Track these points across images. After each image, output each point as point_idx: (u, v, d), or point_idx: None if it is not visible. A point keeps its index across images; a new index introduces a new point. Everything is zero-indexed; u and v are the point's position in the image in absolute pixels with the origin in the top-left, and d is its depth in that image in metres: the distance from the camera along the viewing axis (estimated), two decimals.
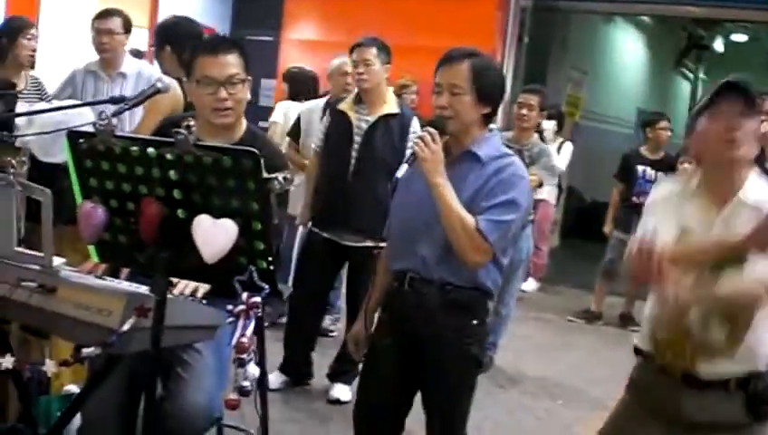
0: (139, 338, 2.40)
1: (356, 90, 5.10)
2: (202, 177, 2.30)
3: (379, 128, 4.88)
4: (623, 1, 10.59)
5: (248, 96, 3.22)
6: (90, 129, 2.46)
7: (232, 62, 3.10)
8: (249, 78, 3.19)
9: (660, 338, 2.73)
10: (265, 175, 2.24)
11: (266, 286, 2.35)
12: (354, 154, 4.88)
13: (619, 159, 8.30)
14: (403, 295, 3.11)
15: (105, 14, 4.86)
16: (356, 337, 3.34)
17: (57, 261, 2.62)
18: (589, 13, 11.72)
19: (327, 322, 6.06)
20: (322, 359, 5.30)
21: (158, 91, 2.98)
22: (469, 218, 2.94)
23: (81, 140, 2.42)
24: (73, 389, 3.83)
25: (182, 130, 2.24)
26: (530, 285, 8.73)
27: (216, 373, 3.01)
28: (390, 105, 4.94)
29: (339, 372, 5.14)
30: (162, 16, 9.64)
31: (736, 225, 2.60)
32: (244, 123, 3.27)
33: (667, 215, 2.72)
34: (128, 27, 4.86)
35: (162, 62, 4.43)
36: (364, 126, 4.91)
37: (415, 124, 4.89)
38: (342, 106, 5.04)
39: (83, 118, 3.27)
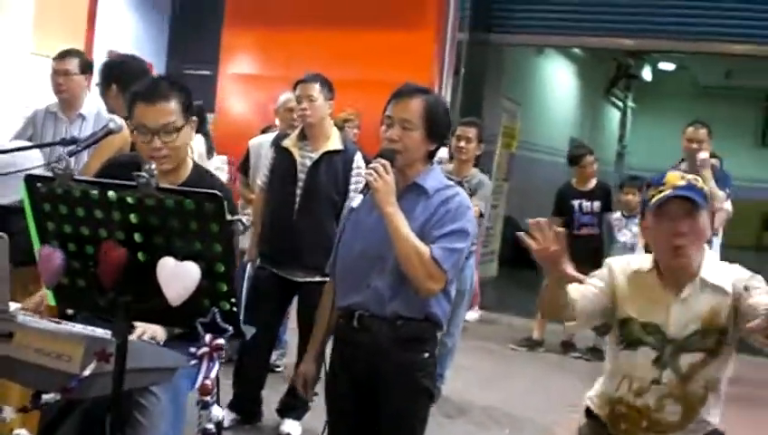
0: (100, 383, 2.37)
1: (300, 126, 5.12)
2: (164, 220, 2.29)
3: (322, 164, 4.90)
4: (554, 34, 10.76)
5: (190, 139, 3.21)
6: (46, 172, 2.44)
7: (168, 110, 3.08)
8: (192, 119, 3.18)
9: (618, 412, 2.85)
10: (229, 217, 2.24)
11: (230, 328, 2.34)
12: (299, 191, 4.90)
13: (553, 187, 8.45)
14: (352, 333, 3.13)
15: (63, 55, 4.82)
16: (305, 376, 3.34)
17: (13, 306, 2.59)
18: (521, 45, 11.91)
19: (273, 357, 6.02)
20: (270, 394, 5.28)
21: (111, 132, 2.97)
22: (423, 247, 2.99)
23: (39, 184, 2.40)
24: (21, 432, 3.76)
25: (144, 174, 2.23)
26: (472, 314, 8.79)
27: (173, 417, 2.99)
28: (334, 141, 4.96)
29: (288, 408, 5.12)
30: (97, 50, 9.63)
31: (696, 304, 2.71)
32: (189, 163, 3.26)
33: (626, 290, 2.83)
34: (85, 68, 4.82)
35: (107, 101, 4.40)
36: (308, 163, 4.92)
37: (358, 159, 4.92)
38: (286, 143, 5.06)
39: (32, 160, 3.25)
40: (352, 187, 4.86)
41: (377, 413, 3.14)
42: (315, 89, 4.95)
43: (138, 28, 10.45)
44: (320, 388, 3.36)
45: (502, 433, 5.61)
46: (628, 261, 2.92)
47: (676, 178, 2.71)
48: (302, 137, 5.02)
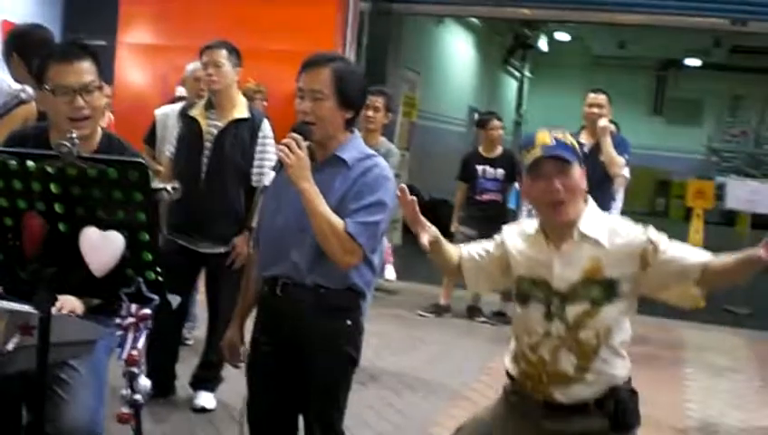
0: (21, 357, 2.34)
1: (207, 96, 5.06)
2: (86, 189, 2.25)
3: (229, 133, 4.85)
4: (453, 3, 10.87)
5: (104, 102, 3.17)
6: None
7: (87, 69, 3.02)
8: (104, 85, 3.14)
9: (520, 370, 2.94)
10: (154, 185, 2.22)
11: (155, 297, 2.33)
12: (205, 160, 4.84)
13: (453, 156, 8.57)
14: (276, 301, 3.13)
15: None
16: (231, 343, 3.34)
17: None
18: (421, 15, 11.99)
19: (184, 330, 5.98)
20: (182, 367, 5.24)
21: (23, 102, 2.90)
22: (338, 221, 2.98)
23: None
24: None
25: (66, 143, 2.19)
26: (390, 272, 8.75)
27: (96, 390, 2.95)
28: (240, 109, 4.91)
29: (201, 380, 5.09)
30: None
31: (575, 256, 2.81)
32: (99, 129, 3.19)
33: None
34: None
35: (12, 70, 4.28)
36: (214, 131, 4.87)
37: (265, 127, 4.89)
38: (193, 112, 4.99)
39: None
40: (258, 155, 4.84)
41: (299, 380, 3.16)
42: (222, 55, 4.88)
43: None
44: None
45: (415, 397, 5.68)
46: (521, 225, 3.02)
47: (545, 136, 2.77)
48: (209, 106, 4.96)
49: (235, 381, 4.49)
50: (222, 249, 4.81)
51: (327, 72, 3.04)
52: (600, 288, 2.78)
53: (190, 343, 6.14)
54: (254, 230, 3.35)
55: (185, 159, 4.94)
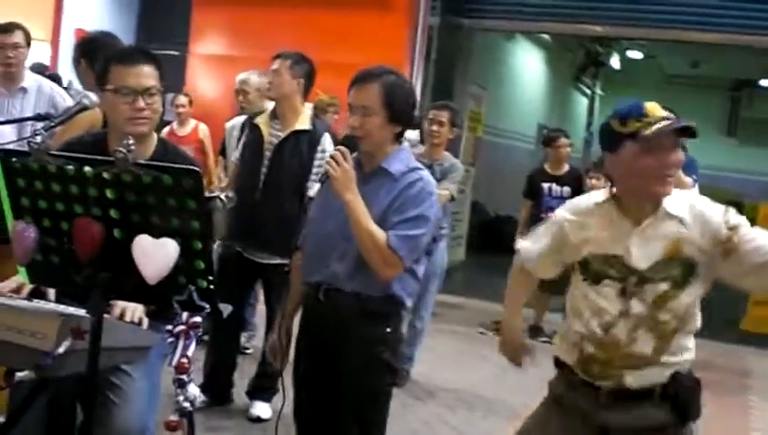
0: (74, 361, 2.35)
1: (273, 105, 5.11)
2: (141, 196, 2.26)
3: (289, 143, 4.88)
4: (524, 19, 10.80)
5: (161, 108, 3.19)
6: (19, 147, 2.41)
7: (149, 74, 3.06)
8: (163, 90, 3.15)
9: (587, 353, 2.79)
10: (207, 194, 2.22)
11: (206, 306, 2.32)
12: (264, 169, 4.88)
13: (520, 173, 8.47)
14: (318, 305, 3.19)
15: (8, 28, 4.79)
16: (274, 347, 3.39)
17: None
18: (493, 31, 11.93)
19: (242, 339, 6.01)
20: (239, 375, 5.26)
21: (85, 108, 2.93)
22: (380, 234, 3.04)
23: (13, 159, 2.36)
24: None
25: (122, 149, 2.20)
26: None
27: (148, 396, 2.95)
28: (303, 121, 4.93)
29: (258, 389, 5.10)
30: (65, 30, 9.52)
31: (657, 234, 2.70)
32: (154, 136, 3.22)
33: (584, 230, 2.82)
34: (29, 41, 4.81)
35: (80, 76, 4.36)
36: (275, 141, 4.91)
37: (325, 141, 4.90)
38: (258, 120, 5.05)
39: (3, 135, 3.20)
40: (315, 169, 4.84)
41: (337, 384, 3.19)
42: (284, 64, 4.92)
43: (106, 7, 10.35)
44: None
45: (471, 415, 5.62)
46: (575, 204, 2.91)
47: (657, 109, 2.67)
48: (273, 115, 5.00)
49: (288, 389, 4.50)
50: (278, 260, 4.78)
51: (376, 87, 3.11)
52: (681, 268, 2.69)
53: (249, 351, 6.17)
54: (300, 238, 3.38)
55: (246, 166, 4.99)
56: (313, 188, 3.09)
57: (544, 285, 7.90)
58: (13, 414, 2.88)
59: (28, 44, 4.77)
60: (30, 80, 4.78)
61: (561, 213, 2.91)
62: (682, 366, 2.78)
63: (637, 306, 2.70)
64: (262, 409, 5.05)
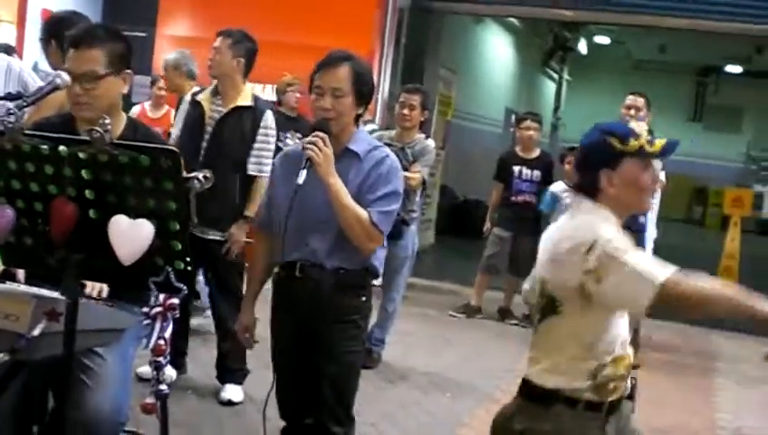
0: (47, 343, 2.33)
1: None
2: (117, 176, 2.25)
3: (230, 119, 4.93)
4: (494, 3, 10.80)
5: (122, 90, 3.10)
6: None
7: (90, 57, 2.98)
8: (125, 71, 3.07)
9: (603, 377, 2.66)
10: (185, 174, 2.20)
11: (184, 287, 2.31)
12: (204, 144, 4.92)
13: (488, 157, 8.49)
14: (294, 282, 3.30)
15: None
16: (245, 326, 3.47)
17: None
18: (462, 14, 11.92)
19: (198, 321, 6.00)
20: (191, 357, 5.29)
21: (57, 88, 2.88)
22: (363, 212, 3.19)
23: None
24: None
25: (98, 129, 2.17)
26: None
27: (121, 378, 2.94)
28: (244, 98, 4.99)
29: (226, 371, 5.10)
30: (31, 10, 9.37)
31: None
32: (123, 117, 3.17)
33: None
34: None
35: (49, 57, 4.30)
36: (216, 117, 4.96)
37: (267, 117, 4.98)
38: (200, 97, 5.10)
39: None
40: (258, 144, 4.92)
41: (317, 356, 3.32)
42: (225, 42, 4.97)
43: None
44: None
45: (443, 398, 5.63)
46: (605, 217, 2.73)
47: (644, 128, 2.75)
48: (215, 92, 5.05)
49: (261, 374, 4.50)
50: (218, 236, 4.85)
51: (345, 69, 3.23)
52: None
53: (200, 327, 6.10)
54: (260, 219, 3.53)
55: (186, 142, 5.02)
56: (301, 176, 3.08)
57: (513, 268, 8.00)
58: None
59: None
60: None
61: (608, 229, 2.69)
62: None
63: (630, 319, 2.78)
64: (233, 392, 5.03)
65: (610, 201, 2.72)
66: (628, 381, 2.77)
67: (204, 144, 4.91)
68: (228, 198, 4.87)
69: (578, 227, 2.65)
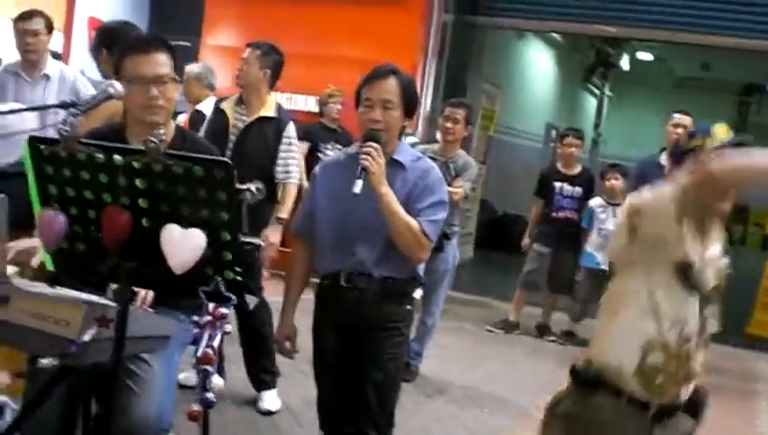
0: (96, 348, 2.35)
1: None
2: (171, 186, 2.27)
3: (254, 128, 5.01)
4: (536, 18, 10.77)
5: (177, 97, 3.22)
6: (46, 134, 2.41)
7: (162, 62, 3.11)
8: (178, 78, 3.19)
9: (651, 362, 2.56)
10: (238, 186, 2.22)
11: (233, 297, 2.33)
12: (228, 153, 4.96)
13: (528, 172, 8.46)
14: (340, 291, 3.30)
15: (29, 15, 4.81)
16: (286, 335, 3.46)
17: (10, 270, 2.56)
18: (506, 29, 11.91)
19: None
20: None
21: (110, 97, 2.92)
22: (414, 222, 3.23)
23: (42, 146, 2.37)
24: (4, 399, 3.72)
25: (153, 139, 2.20)
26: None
27: (166, 384, 2.97)
28: (268, 109, 5.07)
29: (260, 378, 5.12)
30: (78, 19, 9.52)
31: None
32: (172, 124, 3.29)
33: None
34: (50, 28, 4.84)
35: (100, 65, 4.36)
36: (240, 126, 5.03)
37: (290, 129, 5.05)
38: (224, 105, 5.18)
39: (27, 122, 3.21)
40: (282, 154, 4.99)
41: (362, 364, 3.33)
42: (254, 54, 5.06)
43: None
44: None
45: (480, 412, 5.62)
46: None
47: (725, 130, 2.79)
48: (240, 101, 5.13)
49: (297, 383, 4.50)
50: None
51: (393, 82, 3.28)
52: None
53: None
54: (299, 227, 3.49)
55: None
56: (357, 185, 3.10)
57: (552, 284, 7.95)
58: (31, 402, 2.88)
59: (50, 31, 4.79)
60: (53, 67, 4.80)
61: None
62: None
63: (712, 325, 2.64)
64: (270, 400, 5.06)
65: None
66: (687, 391, 2.63)
67: (228, 152, 4.96)
68: (254, 205, 4.87)
69: None
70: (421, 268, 3.43)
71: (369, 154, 3.15)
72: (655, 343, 2.55)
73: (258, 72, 5.03)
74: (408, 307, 3.42)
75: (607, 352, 2.61)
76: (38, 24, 4.77)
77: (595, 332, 2.78)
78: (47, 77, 4.75)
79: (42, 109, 3.63)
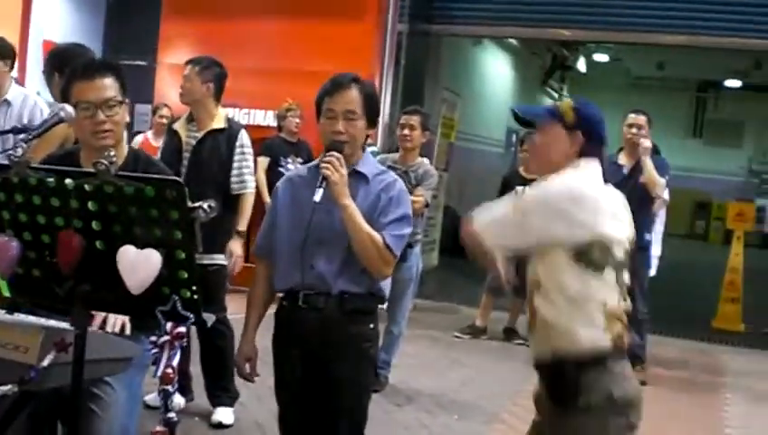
0: (56, 373, 2.34)
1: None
2: (123, 207, 2.27)
3: (206, 143, 5.04)
4: (491, 24, 10.84)
5: (126, 119, 3.19)
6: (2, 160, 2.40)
7: (108, 85, 3.07)
8: (127, 101, 3.15)
9: (618, 331, 2.76)
10: (190, 204, 2.23)
11: (191, 315, 2.33)
12: (183, 170, 4.99)
13: (491, 178, 8.51)
14: (299, 312, 3.20)
15: None
16: (246, 356, 3.33)
17: None
18: (461, 36, 11.98)
19: None
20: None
21: (62, 120, 2.91)
22: (377, 235, 3.13)
23: None
24: None
25: (103, 161, 2.20)
26: None
27: (129, 406, 2.96)
28: (218, 121, 5.10)
29: (217, 394, 5.13)
30: (32, 39, 9.45)
31: None
32: (125, 146, 3.26)
33: None
34: (8, 54, 4.79)
35: (52, 89, 4.35)
36: (193, 142, 5.06)
37: (242, 137, 5.08)
38: (176, 125, 5.24)
39: None
40: (236, 163, 5.02)
41: (326, 387, 3.21)
42: (193, 70, 5.09)
43: (73, 18, 10.28)
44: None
45: (450, 419, 5.63)
46: None
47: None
48: (190, 119, 5.16)
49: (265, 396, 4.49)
50: (205, 260, 4.75)
51: (356, 92, 3.20)
52: None
53: None
54: (260, 246, 3.39)
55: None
56: (318, 194, 3.07)
57: (517, 289, 7.99)
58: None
59: (8, 57, 4.78)
60: (14, 92, 4.77)
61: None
62: None
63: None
64: (224, 414, 5.07)
65: None
66: None
67: (183, 169, 4.98)
68: (214, 221, 4.87)
69: None
70: (386, 284, 3.30)
71: (330, 163, 3.08)
72: (614, 315, 2.75)
73: (201, 88, 5.05)
74: (372, 326, 3.29)
75: (591, 331, 2.74)
76: None
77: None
78: (8, 103, 4.73)
79: None
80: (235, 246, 5.00)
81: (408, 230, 3.25)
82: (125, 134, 3.26)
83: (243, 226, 5.02)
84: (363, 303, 3.23)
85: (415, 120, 6.11)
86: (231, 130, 5.07)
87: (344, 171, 3.10)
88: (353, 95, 3.18)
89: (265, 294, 3.37)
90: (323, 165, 3.10)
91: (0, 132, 3.48)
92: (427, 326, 8.28)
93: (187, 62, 5.18)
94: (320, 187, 3.08)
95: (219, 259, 4.96)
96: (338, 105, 3.16)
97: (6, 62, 4.81)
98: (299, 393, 3.25)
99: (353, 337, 3.22)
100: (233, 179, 5.00)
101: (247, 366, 3.32)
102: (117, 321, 2.79)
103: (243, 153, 5.05)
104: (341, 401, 3.22)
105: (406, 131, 6.09)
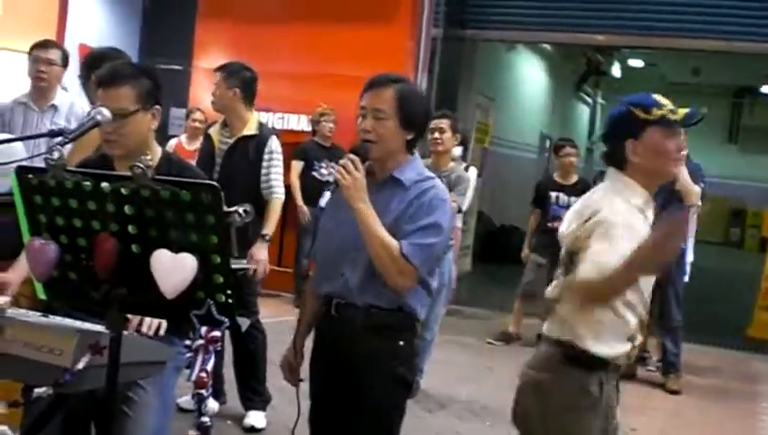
0: (91, 376, 2.35)
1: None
2: (159, 211, 2.27)
3: (237, 149, 5.09)
4: (525, 29, 10.79)
5: (151, 125, 3.14)
6: (34, 163, 2.42)
7: (122, 96, 3.04)
8: (156, 107, 3.12)
9: (637, 341, 2.84)
10: (226, 209, 2.22)
11: (225, 320, 2.33)
12: (215, 176, 5.02)
13: (524, 183, 8.48)
14: (331, 321, 3.12)
15: (46, 45, 4.92)
16: (288, 362, 3.28)
17: (2, 300, 2.56)
18: (495, 41, 11.94)
19: None
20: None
21: (98, 124, 2.92)
22: (392, 242, 2.95)
23: (30, 176, 2.37)
24: (2, 429, 3.71)
25: (140, 164, 2.21)
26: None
27: (162, 409, 2.96)
28: (250, 127, 5.13)
29: (251, 399, 5.15)
30: (69, 45, 9.52)
31: None
32: (158, 151, 3.22)
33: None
34: (66, 62, 4.90)
35: (89, 93, 4.38)
36: (225, 147, 5.12)
37: (272, 143, 5.10)
38: (210, 131, 5.30)
39: (17, 152, 3.21)
40: (265, 169, 5.05)
41: (353, 402, 3.09)
42: (221, 77, 5.13)
43: (109, 22, 10.36)
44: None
45: (483, 426, 5.61)
46: (620, 201, 2.82)
47: (664, 99, 2.88)
48: (224, 125, 5.21)
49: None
50: (234, 263, 4.78)
51: (390, 92, 3.03)
52: None
53: None
54: (312, 250, 3.30)
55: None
56: (324, 197, 3.02)
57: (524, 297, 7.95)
58: (28, 430, 2.88)
59: (65, 65, 4.89)
60: (62, 98, 4.84)
61: (617, 204, 2.84)
62: None
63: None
64: (256, 418, 5.10)
65: (636, 170, 2.84)
66: None
67: (215, 175, 5.02)
68: (247, 226, 4.88)
69: (593, 192, 2.87)
70: (417, 300, 3.09)
71: (343, 166, 2.97)
72: (640, 326, 2.81)
73: (227, 93, 5.07)
74: (402, 343, 3.09)
75: (599, 347, 2.78)
76: (53, 55, 4.87)
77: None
78: (55, 108, 4.80)
79: (30, 138, 3.63)
80: (259, 250, 4.99)
81: (433, 240, 3.01)
82: (152, 137, 3.22)
83: (268, 230, 5.01)
84: (391, 318, 3.06)
85: (444, 123, 6.08)
86: (261, 137, 5.10)
87: (359, 175, 2.96)
88: (386, 95, 3.02)
89: (313, 299, 3.25)
90: (337, 168, 3.00)
91: (38, 136, 3.49)
92: (459, 332, 8.25)
93: (216, 69, 5.23)
94: (327, 190, 3.00)
95: (246, 265, 4.96)
96: (368, 103, 3.04)
97: (64, 70, 4.92)
98: (326, 404, 3.16)
99: (379, 353, 3.05)
100: (263, 185, 5.04)
101: (287, 371, 3.25)
102: (153, 322, 2.80)
103: (271, 159, 5.07)
104: (365, 422, 3.10)
105: (436, 135, 6.05)
